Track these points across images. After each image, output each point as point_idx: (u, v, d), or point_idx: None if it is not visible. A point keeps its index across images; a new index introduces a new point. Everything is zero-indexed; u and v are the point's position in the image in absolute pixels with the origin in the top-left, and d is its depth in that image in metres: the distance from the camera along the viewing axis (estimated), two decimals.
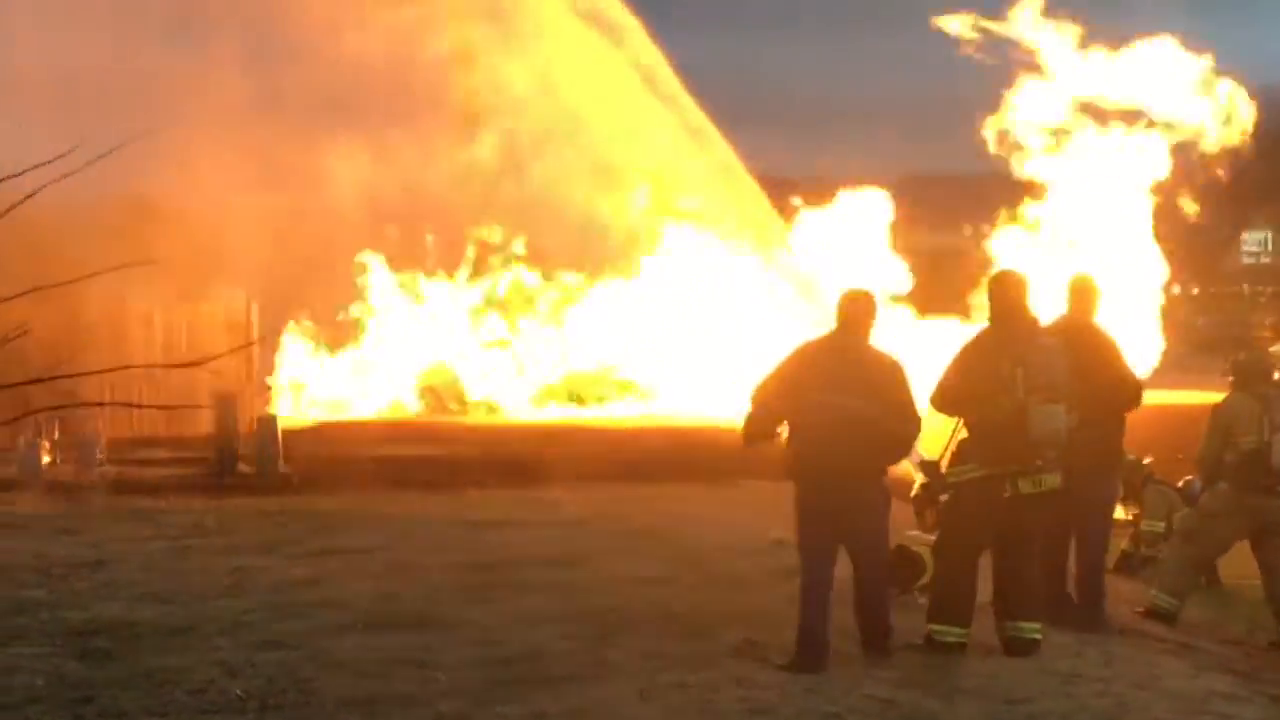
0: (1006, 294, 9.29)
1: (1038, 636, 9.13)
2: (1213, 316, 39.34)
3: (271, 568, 12.05)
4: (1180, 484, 13.80)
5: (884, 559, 9.23)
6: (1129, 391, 10.41)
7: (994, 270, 9.71)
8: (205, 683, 8.25)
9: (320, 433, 23.10)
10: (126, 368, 10.44)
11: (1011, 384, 8.96)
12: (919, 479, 9.52)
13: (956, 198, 32.48)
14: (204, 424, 20.68)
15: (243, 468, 18.81)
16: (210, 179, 23.81)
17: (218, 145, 24.06)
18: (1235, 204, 41.32)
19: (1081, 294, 10.54)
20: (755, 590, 10.93)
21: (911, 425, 9.00)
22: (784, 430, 9.06)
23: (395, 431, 23.79)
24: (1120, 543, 13.40)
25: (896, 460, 9.18)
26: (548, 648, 9.09)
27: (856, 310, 9.12)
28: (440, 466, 19.57)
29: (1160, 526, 13.66)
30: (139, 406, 6.43)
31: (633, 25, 28.25)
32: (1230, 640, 10.87)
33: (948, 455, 9.27)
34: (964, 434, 9.21)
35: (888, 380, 8.95)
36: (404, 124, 27.29)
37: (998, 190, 28.75)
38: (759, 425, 9.12)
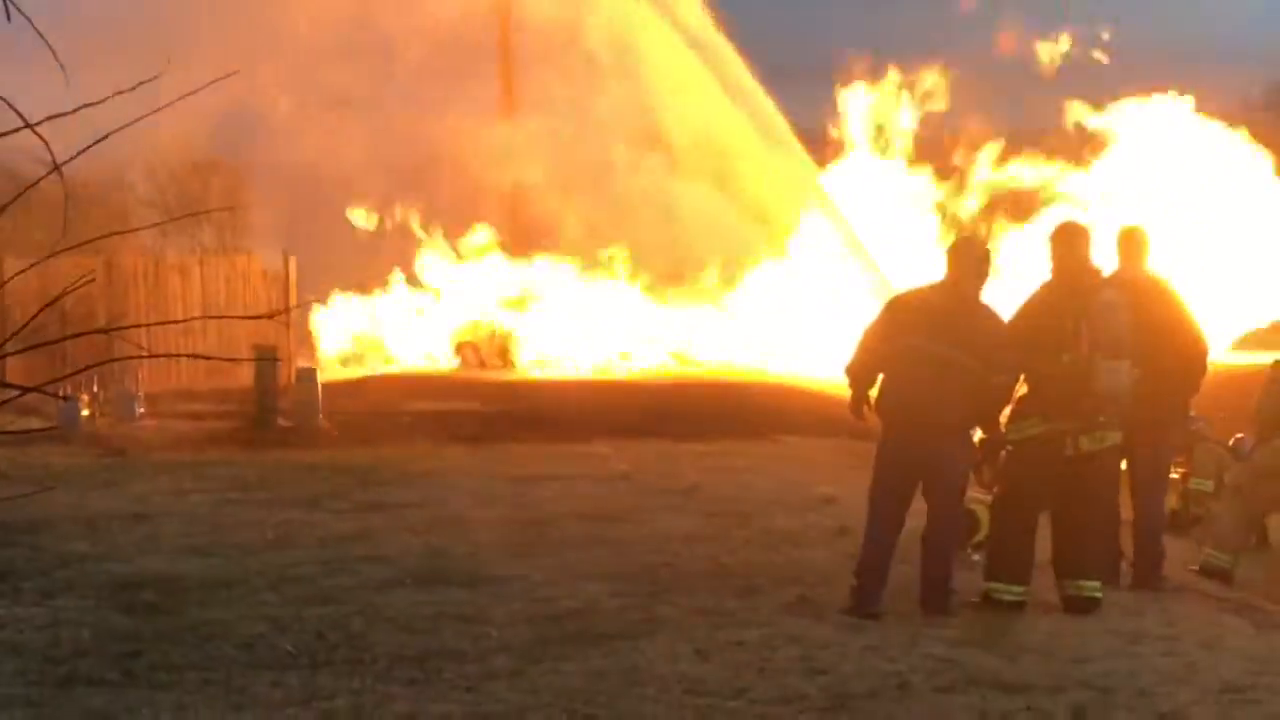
0: (1070, 247, 9.06)
1: (1098, 595, 8.97)
2: None
3: (315, 522, 11.97)
4: (1230, 442, 13.61)
5: (958, 512, 9.10)
6: (1194, 355, 9.95)
7: (1058, 223, 9.41)
8: (254, 637, 8.14)
9: (358, 387, 23.03)
10: (169, 323, 10.29)
11: (1074, 339, 8.77)
12: (977, 434, 9.35)
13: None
14: (243, 378, 20.63)
15: (282, 422, 18.75)
16: (256, 132, 23.70)
17: (268, 100, 23.96)
18: None
19: (1129, 245, 10.14)
20: (806, 546, 10.81)
21: (1008, 378, 8.88)
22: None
23: (433, 386, 23.72)
24: (1169, 501, 13.21)
25: (988, 413, 9.00)
26: (598, 604, 8.95)
27: (968, 260, 8.96)
28: (480, 421, 19.52)
29: (1209, 485, 13.46)
30: (180, 356, 6.29)
31: None
32: None
33: (1007, 411, 9.12)
34: (1023, 389, 9.05)
35: (988, 332, 8.81)
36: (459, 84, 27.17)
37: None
38: (861, 366, 8.99)
